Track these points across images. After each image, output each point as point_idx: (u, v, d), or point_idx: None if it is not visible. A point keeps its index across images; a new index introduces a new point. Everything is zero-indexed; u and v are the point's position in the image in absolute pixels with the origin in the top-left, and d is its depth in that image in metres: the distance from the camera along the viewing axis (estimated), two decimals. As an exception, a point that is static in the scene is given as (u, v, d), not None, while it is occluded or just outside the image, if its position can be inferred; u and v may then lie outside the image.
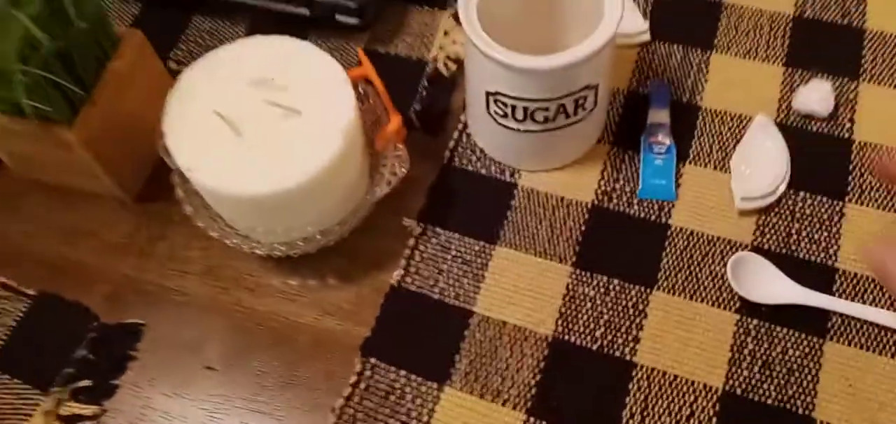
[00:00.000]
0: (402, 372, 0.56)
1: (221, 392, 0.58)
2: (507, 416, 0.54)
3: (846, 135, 0.65)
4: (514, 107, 0.59)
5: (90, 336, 0.60)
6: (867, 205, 0.60)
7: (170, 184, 0.60)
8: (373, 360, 0.57)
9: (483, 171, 0.66)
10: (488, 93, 0.60)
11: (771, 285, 0.57)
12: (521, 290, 0.59)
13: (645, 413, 0.53)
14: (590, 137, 0.65)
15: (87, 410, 0.57)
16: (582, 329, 0.57)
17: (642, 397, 0.54)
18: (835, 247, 0.59)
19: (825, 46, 0.69)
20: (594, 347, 0.56)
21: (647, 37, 0.72)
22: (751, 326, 0.56)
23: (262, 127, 0.54)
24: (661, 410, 0.53)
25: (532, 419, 0.54)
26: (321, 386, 0.57)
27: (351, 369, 0.57)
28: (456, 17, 0.73)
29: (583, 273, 0.59)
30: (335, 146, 0.53)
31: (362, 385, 0.56)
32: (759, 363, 0.55)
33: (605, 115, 0.66)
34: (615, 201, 0.63)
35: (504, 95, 0.59)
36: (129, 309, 0.62)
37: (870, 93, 0.67)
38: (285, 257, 0.61)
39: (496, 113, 0.61)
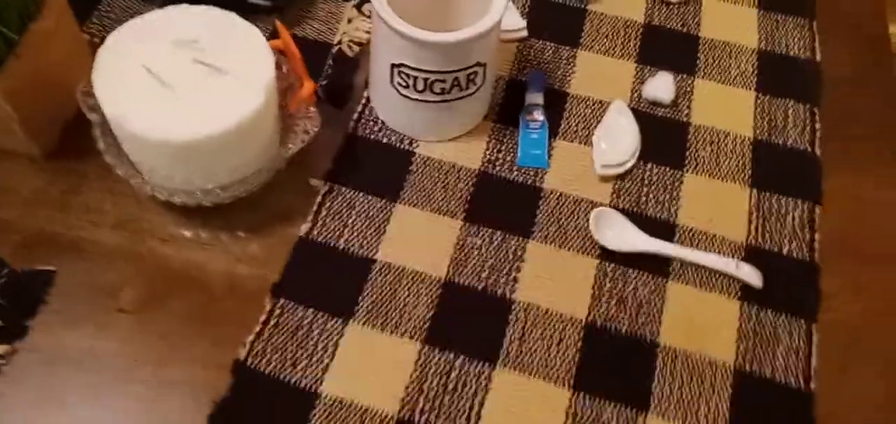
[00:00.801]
0: (310, 310, 0.62)
1: (135, 332, 0.61)
2: (405, 344, 0.61)
3: (684, 119, 0.77)
4: (415, 79, 0.67)
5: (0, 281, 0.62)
6: (700, 175, 0.72)
7: (82, 144, 0.63)
8: (282, 300, 0.62)
9: (384, 140, 0.73)
10: (393, 65, 0.67)
11: (625, 235, 0.68)
12: (418, 241, 0.67)
13: (522, 340, 0.62)
14: (478, 113, 0.74)
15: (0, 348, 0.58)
16: (470, 272, 0.65)
17: (520, 327, 0.63)
18: (675, 207, 0.70)
19: (668, 48, 0.81)
20: (480, 287, 0.64)
21: (524, 33, 0.82)
22: (608, 269, 0.66)
23: (188, 82, 0.58)
24: (536, 337, 0.62)
25: (427, 347, 0.61)
26: (233, 325, 0.61)
27: (262, 310, 0.62)
28: (358, 7, 0.81)
29: (471, 226, 0.68)
30: (257, 100, 0.58)
31: (272, 322, 0.61)
32: (615, 299, 0.65)
33: (490, 95, 0.75)
34: (498, 168, 0.72)
35: (408, 67, 0.66)
36: (41, 258, 0.64)
37: (703, 87, 0.79)
38: (197, 210, 0.64)
39: (399, 84, 0.68)
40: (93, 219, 0.66)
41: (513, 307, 0.63)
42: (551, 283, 0.65)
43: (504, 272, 0.65)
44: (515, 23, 0.82)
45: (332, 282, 0.63)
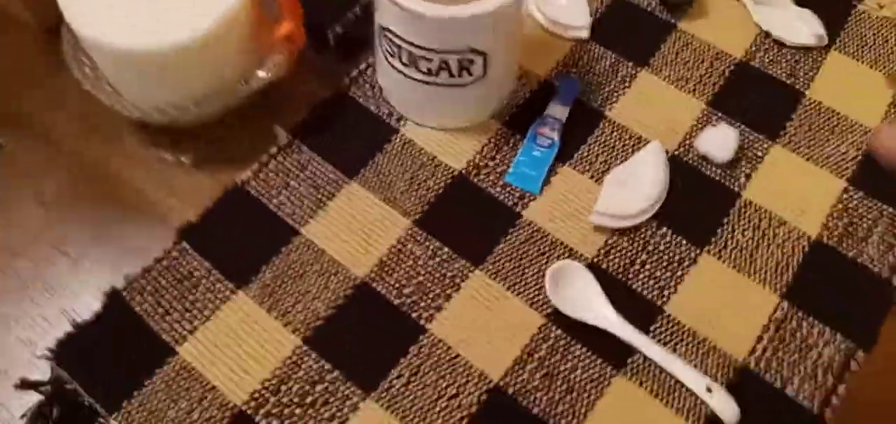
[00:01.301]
0: (206, 264, 0.58)
1: (42, 226, 0.61)
2: (284, 336, 0.55)
3: (735, 189, 0.62)
4: (400, 48, 0.59)
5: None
6: (723, 262, 0.58)
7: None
8: (184, 244, 0.58)
9: (372, 108, 0.66)
10: (381, 27, 0.60)
11: (587, 302, 0.56)
12: (354, 229, 0.60)
13: (412, 378, 0.53)
14: (478, 108, 0.65)
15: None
16: (393, 282, 0.57)
17: (417, 362, 0.54)
18: (671, 290, 0.57)
19: (757, 98, 0.66)
20: (396, 302, 0.56)
21: (584, 34, 0.71)
22: (552, 334, 0.55)
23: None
24: (430, 380, 0.53)
25: (306, 347, 0.55)
26: (130, 252, 0.59)
27: (165, 245, 0.58)
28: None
29: (419, 232, 0.59)
30: (222, 7, 0.55)
31: (164, 263, 0.58)
32: (544, 372, 0.54)
33: (502, 92, 0.65)
34: (482, 177, 0.62)
35: (392, 33, 0.59)
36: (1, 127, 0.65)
37: (779, 157, 0.64)
38: (151, 128, 0.63)
39: (387, 51, 0.61)
40: (58, 102, 0.65)
41: (420, 337, 0.55)
42: (475, 327, 0.56)
43: (430, 295, 0.56)
44: (577, 19, 0.71)
45: (243, 243, 0.59)
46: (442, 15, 0.55)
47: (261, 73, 0.59)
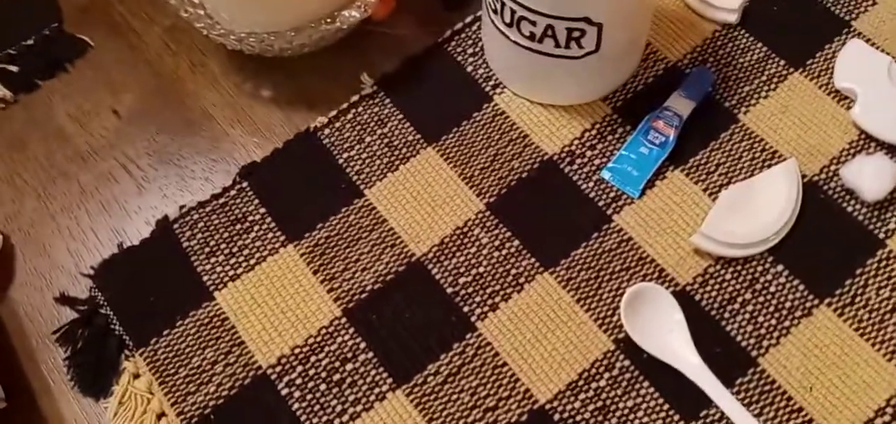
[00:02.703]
0: (262, 209, 0.58)
1: (113, 139, 0.64)
2: (326, 303, 0.55)
3: (881, 235, 0.55)
4: (503, 5, 0.57)
5: (44, 33, 0.67)
6: (845, 320, 0.52)
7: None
8: (245, 184, 0.59)
9: (469, 69, 0.64)
10: (487, -23, 0.58)
11: (667, 337, 0.52)
12: (422, 200, 0.58)
13: (450, 378, 0.52)
14: (586, 87, 0.61)
15: (2, 92, 0.65)
16: (451, 268, 0.56)
17: (459, 362, 0.52)
18: (772, 342, 0.52)
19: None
20: (449, 290, 0.55)
21: (732, 18, 0.65)
22: (618, 365, 0.52)
23: None
24: (469, 385, 0.52)
25: (345, 319, 0.54)
26: (192, 180, 0.61)
27: (225, 180, 0.60)
28: None
29: (490, 217, 0.57)
30: None
31: (220, 200, 0.59)
32: (599, 405, 0.51)
33: (618, 72, 0.61)
34: (576, 167, 0.59)
35: (497, -14, 0.56)
36: (88, 27, 0.69)
37: (945, 205, 0.56)
38: (237, 57, 0.64)
39: (490, 5, 0.59)
40: (151, 14, 0.68)
41: (467, 335, 0.53)
42: (531, 337, 0.53)
43: (488, 290, 0.54)
44: (726, 0, 0.65)
45: (303, 194, 0.59)
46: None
47: (347, 13, 0.58)
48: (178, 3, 0.60)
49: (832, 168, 0.58)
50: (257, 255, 0.56)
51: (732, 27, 0.64)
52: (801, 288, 0.53)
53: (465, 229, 0.57)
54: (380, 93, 0.63)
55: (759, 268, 0.54)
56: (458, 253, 0.56)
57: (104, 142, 0.63)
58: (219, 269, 0.56)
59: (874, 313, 0.52)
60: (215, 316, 0.54)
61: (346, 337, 0.53)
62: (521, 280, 0.55)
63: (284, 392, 0.51)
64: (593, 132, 0.60)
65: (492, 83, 0.63)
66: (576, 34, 0.55)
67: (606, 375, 0.51)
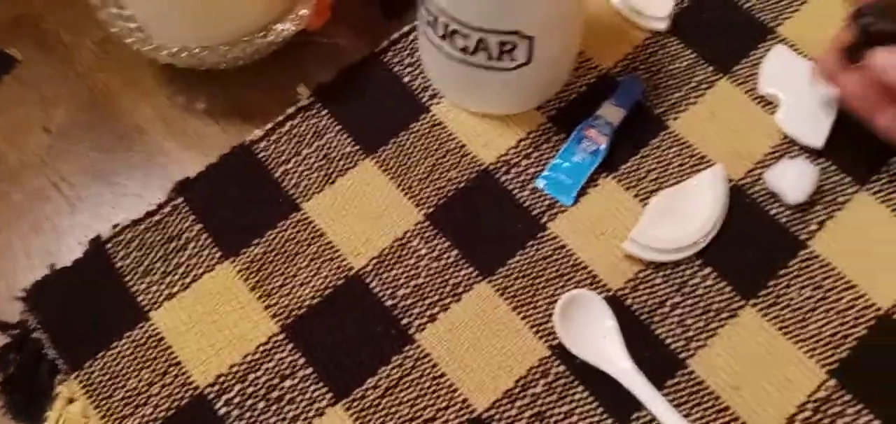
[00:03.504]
0: (198, 226, 0.59)
1: (44, 156, 0.64)
2: (262, 320, 0.56)
3: (803, 237, 0.58)
4: (436, 18, 0.58)
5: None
6: (769, 320, 0.55)
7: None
8: (179, 201, 0.60)
9: (405, 79, 0.65)
10: (421, -10, 0.59)
11: (598, 343, 0.54)
12: (360, 213, 0.59)
13: (389, 391, 0.53)
14: (521, 97, 0.63)
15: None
16: (389, 280, 0.57)
17: (398, 375, 0.54)
18: (700, 344, 0.54)
19: (852, 132, 0.61)
20: (388, 303, 0.56)
21: (662, 25, 0.67)
22: (553, 371, 0.54)
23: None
24: (407, 397, 0.53)
25: (283, 335, 0.55)
26: (126, 198, 0.61)
27: (160, 197, 0.60)
28: None
29: (428, 227, 0.59)
30: None
31: (155, 217, 0.59)
32: (535, 411, 0.52)
33: (551, 82, 0.63)
34: (511, 176, 0.61)
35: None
36: (17, 41, 0.68)
37: (865, 206, 0.59)
38: (172, 71, 0.64)
39: (424, 17, 0.60)
40: (82, 28, 0.68)
41: (406, 347, 0.54)
42: (469, 346, 0.55)
43: (427, 301, 0.56)
44: (656, 6, 0.67)
45: (239, 210, 0.59)
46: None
47: (280, 26, 0.59)
48: (109, 18, 0.60)
49: (757, 172, 0.60)
50: (193, 273, 0.57)
51: (662, 34, 0.66)
52: (728, 289, 0.56)
53: (404, 240, 0.58)
54: (316, 105, 0.63)
55: (688, 272, 0.56)
56: (396, 265, 0.57)
57: (35, 159, 0.63)
58: (154, 288, 0.56)
59: (797, 312, 0.55)
60: (151, 336, 0.55)
61: (285, 354, 0.54)
62: (460, 290, 0.56)
63: (223, 411, 0.52)
64: (528, 141, 0.62)
65: (429, 93, 0.64)
66: (508, 47, 0.57)
67: (542, 381, 0.53)
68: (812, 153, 0.61)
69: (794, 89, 0.62)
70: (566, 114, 0.63)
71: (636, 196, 0.60)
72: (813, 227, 0.58)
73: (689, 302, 0.55)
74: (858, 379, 0.53)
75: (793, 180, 0.59)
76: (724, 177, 0.59)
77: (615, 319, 0.54)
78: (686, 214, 0.58)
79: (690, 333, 0.54)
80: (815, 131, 0.60)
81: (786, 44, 0.65)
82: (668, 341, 0.54)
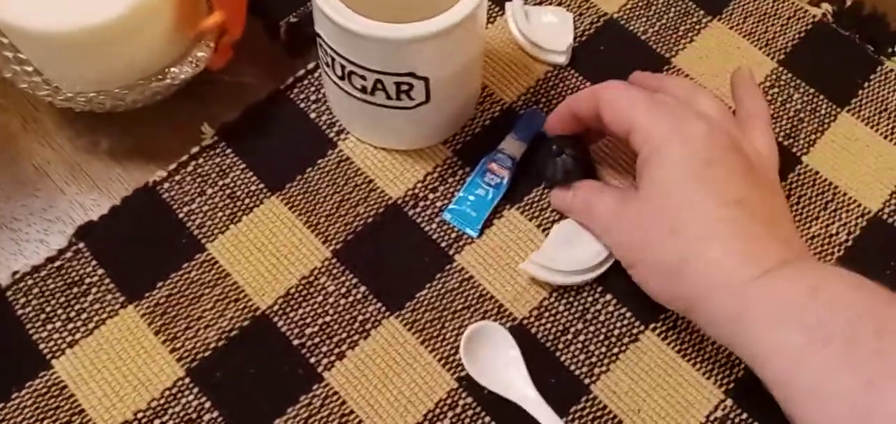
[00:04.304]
0: (100, 271, 0.58)
1: None
2: (168, 364, 0.55)
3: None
4: (333, 60, 0.59)
5: None
6: (668, 343, 0.57)
7: None
8: (81, 245, 0.59)
9: (312, 116, 0.66)
10: (317, 33, 0.59)
11: (504, 373, 0.55)
12: (266, 252, 0.59)
13: (297, 431, 0.53)
14: (426, 133, 0.64)
15: None
16: (297, 319, 0.57)
17: (305, 415, 0.54)
18: (603, 369, 0.56)
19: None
20: (295, 342, 0.56)
21: (562, 59, 0.69)
22: (460, 403, 0.54)
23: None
24: (316, 437, 0.53)
25: (188, 379, 0.55)
26: (26, 243, 0.60)
27: (61, 242, 0.59)
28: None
29: (336, 265, 0.59)
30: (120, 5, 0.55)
31: (57, 262, 0.58)
32: (444, 444, 0.53)
33: (453, 118, 0.65)
34: (419, 210, 0.61)
35: (325, 43, 0.58)
36: None
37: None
38: (72, 113, 0.64)
39: (323, 58, 0.60)
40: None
41: (314, 386, 0.55)
42: (377, 382, 0.56)
43: (335, 339, 0.56)
44: (555, 41, 0.69)
45: (143, 252, 0.59)
46: (374, 33, 0.54)
47: (177, 69, 0.59)
48: (2, 61, 0.59)
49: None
50: (96, 318, 0.56)
51: (562, 68, 0.69)
52: (629, 315, 0.58)
53: (311, 278, 0.58)
54: (221, 144, 0.64)
55: (590, 299, 0.58)
56: (303, 304, 0.57)
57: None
58: (56, 336, 0.56)
59: (694, 334, 0.57)
60: (53, 385, 0.54)
61: (191, 398, 0.54)
62: (368, 326, 0.57)
63: (128, 458, 0.52)
64: (435, 175, 0.63)
65: (336, 129, 0.65)
66: (404, 87, 0.58)
67: (450, 414, 0.54)
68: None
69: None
70: (471, 148, 0.64)
71: (539, 225, 0.61)
72: (707, 251, 0.60)
73: (592, 328, 0.57)
74: (752, 397, 0.55)
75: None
76: (624, 205, 0.61)
77: (519, 349, 0.56)
78: (585, 241, 0.60)
79: (593, 359, 0.56)
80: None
81: (680, 73, 0.68)
82: (572, 367, 0.56)
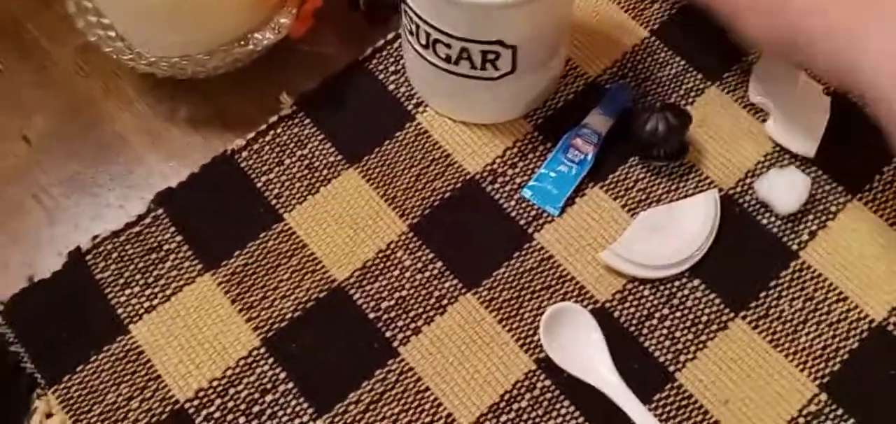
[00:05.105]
0: (178, 238, 0.58)
1: (23, 166, 0.63)
2: (244, 333, 0.55)
3: (793, 246, 0.57)
4: (418, 27, 0.58)
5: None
6: (759, 332, 0.55)
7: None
8: (160, 212, 0.59)
9: (390, 87, 0.65)
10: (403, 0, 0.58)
11: (585, 356, 0.53)
12: (343, 224, 0.59)
13: (372, 406, 0.53)
14: (506, 106, 0.62)
15: None
16: (373, 292, 0.56)
17: (381, 389, 0.53)
18: (689, 356, 0.54)
19: (851, 145, 0.60)
20: (371, 315, 0.55)
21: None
22: (539, 385, 0.53)
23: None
24: (390, 412, 0.53)
25: (265, 349, 0.55)
26: (106, 208, 0.61)
27: (140, 208, 0.59)
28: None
29: (413, 239, 0.58)
30: None
31: (135, 229, 0.58)
32: (521, 422, 0.52)
33: (538, 91, 0.63)
34: (498, 186, 0.60)
35: (410, 8, 0.57)
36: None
37: (855, 217, 0.58)
38: (153, 80, 0.64)
39: (407, 26, 0.59)
40: (63, 35, 0.67)
41: (389, 361, 0.54)
42: (454, 359, 0.55)
43: (411, 314, 0.55)
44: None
45: (221, 221, 0.59)
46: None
47: (260, 35, 0.58)
48: (86, 27, 0.60)
49: (747, 181, 0.60)
50: (173, 285, 0.56)
51: (649, 40, 0.66)
52: (718, 301, 0.55)
53: (388, 252, 0.57)
54: (299, 114, 0.63)
55: (677, 284, 0.56)
56: (380, 277, 0.56)
57: (13, 169, 0.62)
58: (134, 301, 0.56)
59: (787, 324, 0.54)
60: (131, 349, 0.54)
61: (266, 368, 0.53)
62: (444, 302, 0.55)
63: (201, 427, 0.52)
64: (515, 150, 0.61)
65: (414, 101, 0.63)
66: (491, 56, 0.56)
67: (527, 395, 0.52)
68: (803, 162, 0.60)
69: (785, 97, 0.62)
70: (553, 123, 0.62)
71: (624, 206, 0.59)
72: (804, 237, 0.58)
73: (678, 314, 0.55)
74: (850, 393, 0.52)
75: (783, 190, 0.59)
76: (716, 202, 0.59)
77: (601, 332, 0.54)
78: (673, 235, 0.57)
79: (679, 346, 0.54)
80: (806, 139, 0.60)
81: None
82: (657, 354, 0.54)
